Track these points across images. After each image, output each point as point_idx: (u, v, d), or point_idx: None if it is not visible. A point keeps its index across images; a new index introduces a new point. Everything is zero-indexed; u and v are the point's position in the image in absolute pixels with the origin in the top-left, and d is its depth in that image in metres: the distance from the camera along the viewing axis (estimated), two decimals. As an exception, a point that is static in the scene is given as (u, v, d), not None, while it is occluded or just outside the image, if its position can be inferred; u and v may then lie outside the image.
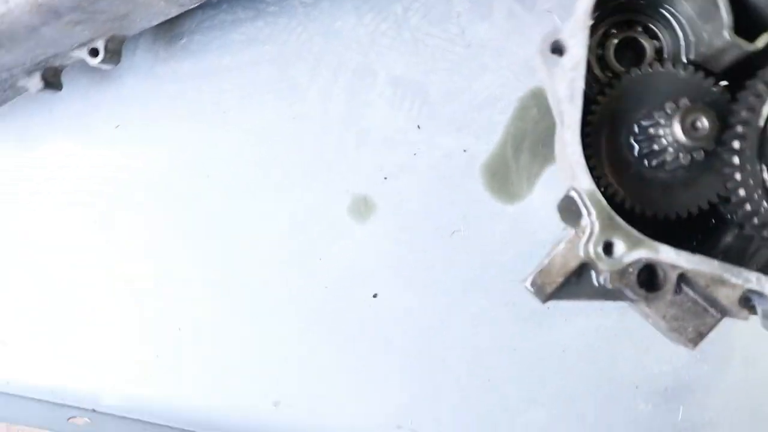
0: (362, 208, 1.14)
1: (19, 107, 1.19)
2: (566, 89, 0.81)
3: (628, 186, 0.87)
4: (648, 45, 0.93)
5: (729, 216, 0.88)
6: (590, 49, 0.93)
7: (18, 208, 1.22)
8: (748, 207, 0.79)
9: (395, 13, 1.13)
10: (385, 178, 1.13)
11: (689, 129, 0.78)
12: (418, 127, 1.13)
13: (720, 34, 0.81)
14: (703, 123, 0.78)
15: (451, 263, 1.12)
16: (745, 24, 0.83)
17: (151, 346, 1.18)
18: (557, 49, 0.81)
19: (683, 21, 0.90)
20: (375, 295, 1.13)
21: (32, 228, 1.21)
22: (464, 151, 1.12)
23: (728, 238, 0.90)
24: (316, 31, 1.15)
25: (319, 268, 1.14)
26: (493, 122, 1.11)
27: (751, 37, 0.82)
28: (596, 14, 0.83)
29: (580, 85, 0.80)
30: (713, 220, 0.91)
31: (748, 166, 0.78)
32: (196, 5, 1.07)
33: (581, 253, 0.81)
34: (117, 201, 1.19)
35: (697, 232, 0.90)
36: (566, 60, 0.81)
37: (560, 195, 0.82)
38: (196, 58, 1.18)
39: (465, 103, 1.12)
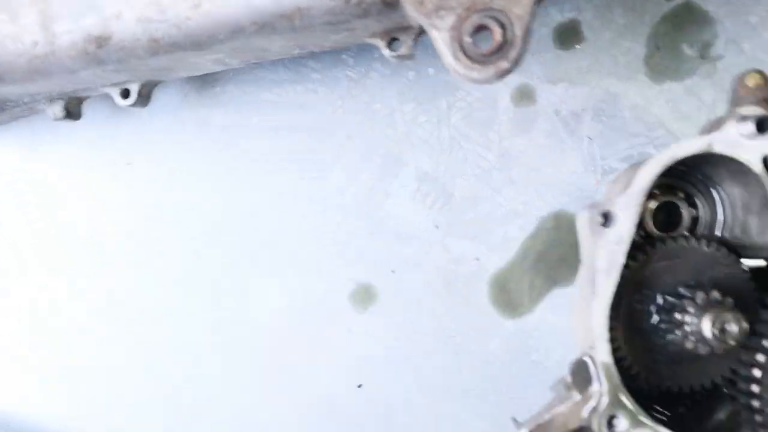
0: (364, 296, 1.12)
1: (31, 123, 1.15)
2: (605, 261, 0.81)
3: (639, 353, 0.87)
4: (686, 213, 0.93)
5: (730, 396, 0.89)
6: (628, 208, 0.94)
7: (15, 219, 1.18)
8: (757, 404, 0.80)
9: (438, 107, 1.12)
10: (393, 271, 1.12)
11: (718, 330, 0.79)
12: (436, 227, 1.12)
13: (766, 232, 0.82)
14: (732, 328, 0.79)
15: (441, 368, 1.12)
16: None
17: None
18: (605, 219, 0.81)
19: (726, 201, 0.91)
20: (360, 386, 1.12)
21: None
22: (476, 259, 1.11)
23: (721, 415, 0.91)
24: (354, 108, 1.13)
25: (310, 349, 1.12)
26: (510, 237, 1.10)
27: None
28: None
29: (620, 260, 0.81)
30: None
31: None
32: (242, 66, 1.04)
33: (585, 418, 0.82)
34: (111, 237, 1.16)
35: (692, 399, 0.91)
36: (612, 232, 0.81)
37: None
38: (226, 109, 1.15)
39: (486, 213, 1.11)
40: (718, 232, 0.91)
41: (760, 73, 0.82)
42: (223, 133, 1.15)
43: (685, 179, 0.93)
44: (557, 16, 1.10)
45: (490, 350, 1.12)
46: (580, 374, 0.84)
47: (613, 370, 0.81)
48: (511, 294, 1.12)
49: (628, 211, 0.81)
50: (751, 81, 0.81)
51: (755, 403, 0.79)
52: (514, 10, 0.78)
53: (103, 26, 0.87)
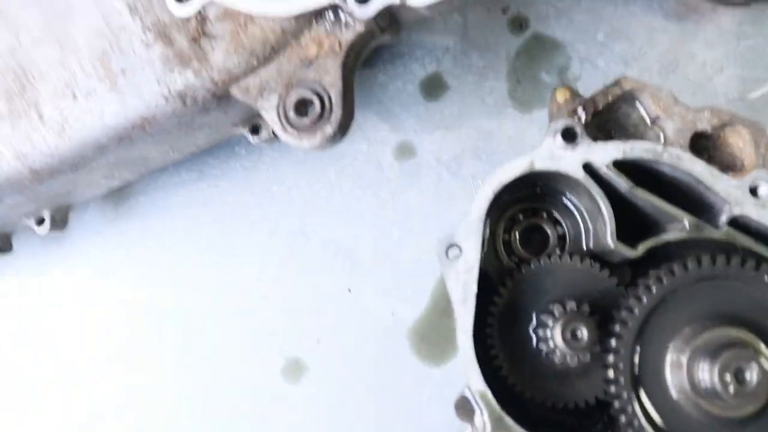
0: (295, 369, 1.17)
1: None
2: (460, 291, 0.85)
3: (528, 375, 0.89)
4: (551, 232, 0.97)
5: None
6: (497, 235, 0.98)
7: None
8: (617, 405, 0.81)
9: (328, 177, 1.19)
10: (318, 341, 1.17)
11: (569, 338, 0.81)
12: (349, 290, 1.17)
13: (605, 237, 0.85)
14: (583, 333, 0.81)
15: (378, 424, 1.14)
16: (632, 225, 0.88)
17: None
18: (452, 251, 0.85)
19: (583, 213, 0.94)
20: (302, 455, 1.15)
21: None
22: (392, 314, 1.15)
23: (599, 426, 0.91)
24: (254, 193, 1.21)
25: (252, 428, 1.16)
26: (419, 287, 1.15)
27: (640, 238, 0.86)
28: (488, 219, 0.87)
29: (473, 288, 0.84)
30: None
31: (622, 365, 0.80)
32: (135, 178, 1.13)
33: (474, 449, 0.84)
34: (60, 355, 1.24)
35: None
36: (460, 263, 0.85)
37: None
38: (142, 218, 1.24)
39: (392, 267, 1.16)
40: (585, 245, 0.94)
41: (568, 88, 0.88)
42: (144, 240, 1.23)
43: (545, 200, 0.97)
44: (420, 72, 1.17)
45: (423, 401, 1.14)
46: (465, 407, 0.86)
47: (490, 396, 0.83)
48: (431, 342, 1.15)
49: (470, 240, 0.85)
50: (560, 96, 0.87)
51: (616, 404, 0.80)
52: (325, 79, 0.86)
53: (-13, 169, 0.98)
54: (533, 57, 1.15)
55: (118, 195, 1.24)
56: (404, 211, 1.17)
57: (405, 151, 1.17)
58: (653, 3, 1.14)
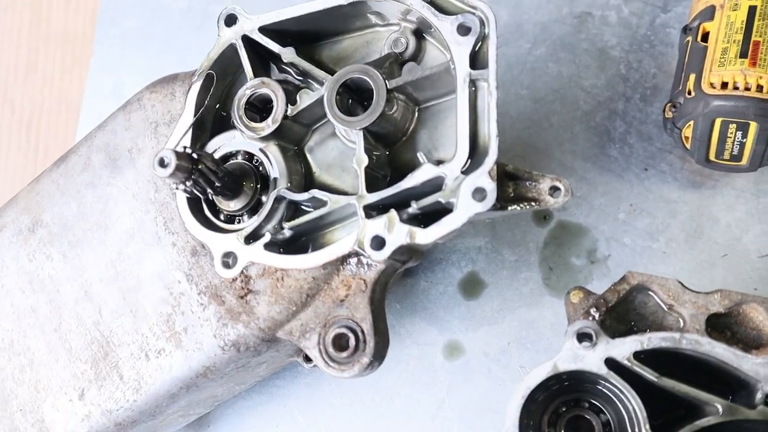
0: None
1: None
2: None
3: None
4: (595, 421, 0.99)
5: None
6: (542, 430, 1.01)
7: None
8: None
9: (386, 386, 1.25)
10: None
11: None
12: (417, 492, 1.19)
13: (640, 426, 0.87)
14: None
15: None
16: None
17: None
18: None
19: (622, 398, 0.96)
20: None
21: None
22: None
23: None
24: (319, 409, 1.28)
25: None
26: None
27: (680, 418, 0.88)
28: (536, 415, 0.91)
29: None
30: None
31: None
32: (210, 410, 1.24)
33: None
34: None
35: None
36: (504, 471, 0.88)
37: None
38: (222, 454, 1.33)
39: (459, 465, 1.19)
40: (629, 429, 0.95)
41: (581, 289, 0.93)
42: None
43: (584, 389, 1.00)
44: (457, 274, 1.25)
45: None
46: None
47: None
48: None
49: (512, 449, 0.89)
50: (575, 298, 0.92)
51: None
52: (356, 315, 0.95)
53: (81, 426, 1.10)
54: (561, 244, 1.22)
55: (198, 423, 1.35)
56: (461, 408, 1.21)
57: (454, 350, 1.23)
58: (667, 176, 1.21)
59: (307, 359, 1.12)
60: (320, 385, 1.28)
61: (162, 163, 0.91)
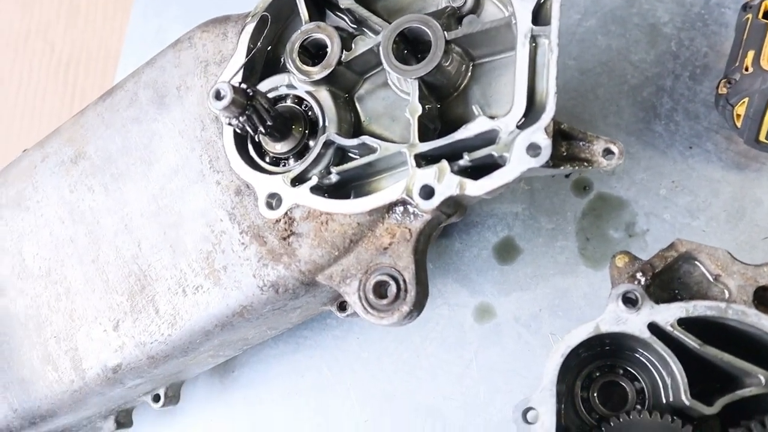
0: None
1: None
2: (540, 456, 0.88)
3: None
4: (629, 388, 0.99)
5: None
6: (575, 394, 1.01)
7: None
8: None
9: (414, 342, 1.26)
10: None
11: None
12: (440, 451, 1.20)
13: (680, 394, 0.87)
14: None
15: None
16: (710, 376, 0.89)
17: None
18: (529, 418, 0.89)
19: (658, 366, 0.96)
20: None
21: None
22: (484, 473, 1.17)
23: None
24: (347, 361, 1.29)
25: None
26: (509, 445, 1.17)
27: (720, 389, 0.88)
28: (565, 379, 0.91)
29: (553, 454, 0.87)
30: None
31: None
32: (240, 353, 1.24)
33: None
34: None
35: None
36: (537, 427, 0.89)
37: None
38: (246, 389, 1.34)
39: (482, 426, 1.19)
40: (664, 399, 0.95)
41: (626, 253, 0.93)
42: (247, 409, 1.33)
43: (620, 356, 1.00)
44: (493, 238, 1.25)
45: None
46: None
47: None
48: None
49: (545, 404, 0.89)
50: (620, 262, 0.92)
51: None
52: (399, 263, 0.95)
53: (114, 357, 1.11)
54: (600, 216, 1.21)
55: (223, 368, 1.36)
56: (488, 370, 1.21)
57: (484, 313, 1.23)
58: (711, 156, 1.20)
59: (341, 308, 1.12)
60: (348, 338, 1.29)
61: (218, 96, 0.91)
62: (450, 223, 1.04)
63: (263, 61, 1.09)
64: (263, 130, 0.98)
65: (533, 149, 0.88)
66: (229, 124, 0.95)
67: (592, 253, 1.20)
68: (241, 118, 0.94)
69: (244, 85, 0.93)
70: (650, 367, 0.97)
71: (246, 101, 0.92)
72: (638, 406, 0.97)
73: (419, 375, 1.24)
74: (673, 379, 0.90)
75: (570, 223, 1.22)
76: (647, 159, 1.22)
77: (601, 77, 1.28)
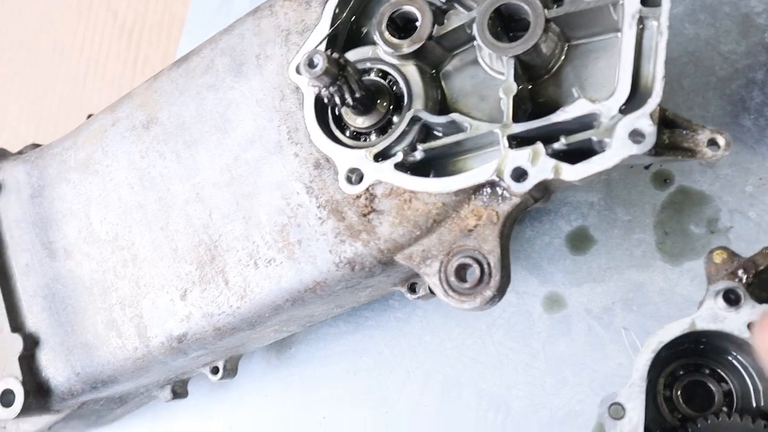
0: None
1: (152, 407, 1.37)
2: (625, 452, 0.85)
3: None
4: (716, 389, 0.95)
5: None
6: (657, 391, 0.98)
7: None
8: None
9: (480, 328, 1.23)
10: (471, 492, 1.17)
11: None
12: (502, 440, 1.18)
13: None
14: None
15: None
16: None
17: None
18: (616, 412, 0.86)
19: (751, 370, 0.93)
20: None
21: None
22: (547, 465, 1.15)
23: None
24: (408, 344, 1.27)
25: None
26: (574, 438, 1.14)
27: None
28: (652, 375, 0.88)
29: (638, 449, 0.84)
30: None
31: None
32: (300, 330, 1.22)
33: None
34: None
35: None
36: (625, 423, 0.86)
37: None
38: (303, 366, 1.32)
39: (546, 417, 1.17)
40: (755, 403, 0.92)
41: (725, 249, 0.89)
42: (302, 387, 1.31)
43: (707, 355, 0.97)
44: (566, 227, 1.22)
45: None
46: None
47: None
48: (589, 498, 1.12)
49: (634, 400, 0.86)
50: (718, 258, 0.88)
51: None
52: (484, 247, 0.92)
53: (179, 326, 1.09)
54: (680, 210, 1.17)
55: (281, 344, 1.34)
56: (556, 361, 1.18)
57: (554, 303, 1.20)
58: (802, 153, 1.15)
59: (412, 290, 1.10)
60: (411, 321, 1.27)
61: (311, 64, 0.88)
62: (533, 208, 1.00)
63: (346, 33, 1.06)
64: (350, 102, 0.95)
65: (636, 135, 0.84)
66: (318, 94, 0.92)
67: (671, 248, 1.16)
68: (331, 88, 0.91)
69: (336, 55, 0.90)
70: (741, 369, 0.93)
71: (338, 71, 0.90)
72: (724, 409, 0.94)
73: (483, 362, 1.22)
74: (761, 379, 0.87)
75: (648, 216, 1.18)
76: (734, 154, 1.17)
77: (687, 67, 1.24)
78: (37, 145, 1.38)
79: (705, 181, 1.17)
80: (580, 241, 1.21)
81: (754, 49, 1.21)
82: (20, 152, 1.37)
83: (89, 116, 1.30)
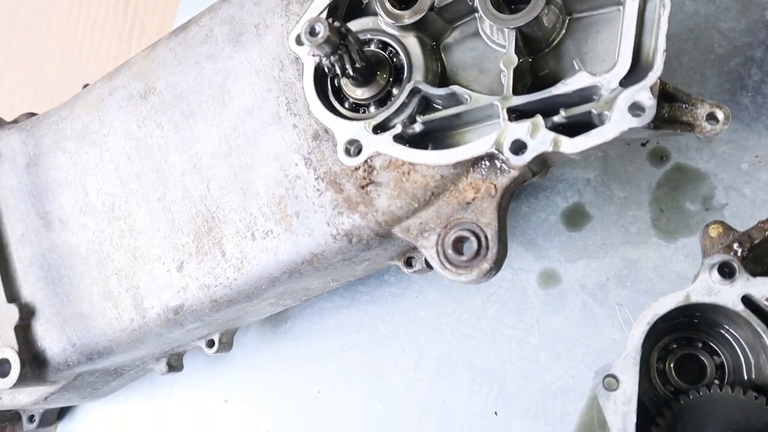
0: (442, 494, 1.18)
1: (147, 379, 1.37)
2: (619, 422, 0.86)
3: None
4: (708, 362, 0.96)
5: None
6: (650, 364, 0.99)
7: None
8: None
9: (475, 304, 1.24)
10: (464, 465, 1.18)
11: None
12: (495, 413, 1.19)
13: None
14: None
15: None
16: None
17: None
18: (610, 384, 0.87)
19: (743, 343, 0.93)
20: None
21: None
22: (539, 438, 1.16)
23: None
24: (403, 319, 1.27)
25: None
26: (566, 411, 1.15)
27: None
28: (645, 348, 0.89)
29: (632, 419, 0.85)
30: None
31: None
32: (297, 304, 1.23)
33: None
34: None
35: None
36: (618, 395, 0.87)
37: None
38: (298, 341, 1.33)
39: (540, 392, 1.17)
40: (746, 376, 0.93)
41: (721, 223, 0.90)
42: (298, 361, 1.32)
43: (700, 329, 0.97)
44: (562, 203, 1.22)
45: None
46: None
47: None
48: (580, 469, 1.14)
49: (627, 372, 0.86)
50: (714, 232, 0.89)
51: None
52: (482, 220, 0.92)
53: (176, 298, 1.09)
54: (676, 187, 1.17)
55: (276, 318, 1.35)
56: (550, 336, 1.19)
57: (549, 278, 1.20)
58: (799, 132, 1.16)
59: (408, 264, 1.10)
60: (406, 296, 1.27)
61: (312, 32, 0.88)
62: (531, 182, 1.01)
63: (347, 3, 1.05)
64: (351, 73, 0.94)
65: (636, 109, 0.84)
66: (319, 64, 0.92)
67: (666, 224, 1.17)
68: (332, 58, 0.90)
69: (337, 24, 0.90)
70: (733, 342, 0.94)
71: (340, 40, 0.89)
72: (716, 381, 0.95)
73: (478, 337, 1.22)
74: (761, 357, 0.88)
75: (644, 193, 1.19)
76: (730, 131, 1.17)
77: (686, 44, 1.23)
78: (32, 114, 1.37)
79: (701, 158, 1.17)
80: (575, 218, 1.21)
81: (754, 27, 1.21)
82: (15, 121, 1.36)
83: (85, 86, 1.29)
